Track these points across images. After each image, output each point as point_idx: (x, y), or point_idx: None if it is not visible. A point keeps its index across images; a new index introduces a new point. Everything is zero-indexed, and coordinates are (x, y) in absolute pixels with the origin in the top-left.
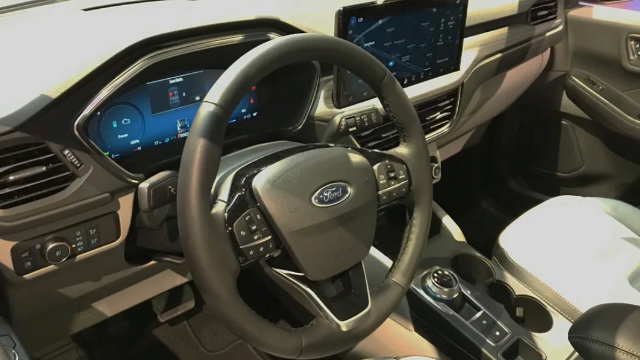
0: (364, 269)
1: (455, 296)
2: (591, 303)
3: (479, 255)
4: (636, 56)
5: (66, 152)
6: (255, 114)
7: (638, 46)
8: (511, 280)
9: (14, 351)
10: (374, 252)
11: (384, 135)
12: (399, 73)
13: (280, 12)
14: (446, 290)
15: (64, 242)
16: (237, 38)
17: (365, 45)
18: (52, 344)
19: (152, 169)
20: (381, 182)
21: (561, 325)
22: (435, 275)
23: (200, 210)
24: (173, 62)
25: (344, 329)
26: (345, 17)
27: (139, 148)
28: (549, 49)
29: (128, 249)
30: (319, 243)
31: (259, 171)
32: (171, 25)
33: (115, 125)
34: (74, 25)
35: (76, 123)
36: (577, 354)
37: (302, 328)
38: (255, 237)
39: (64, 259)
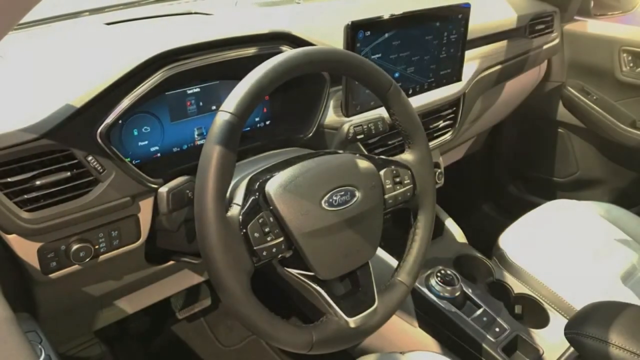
0: (371, 269)
1: (457, 294)
2: (586, 301)
3: (479, 255)
4: (628, 67)
5: (89, 158)
6: (268, 122)
7: (630, 58)
8: (510, 279)
9: (40, 346)
10: (380, 252)
11: (389, 142)
12: (404, 83)
13: (292, 26)
14: (448, 288)
15: (87, 243)
16: (251, 50)
17: (372, 57)
18: (76, 339)
19: (170, 174)
20: (387, 186)
21: (557, 322)
22: (438, 274)
23: (216, 213)
24: (190, 73)
25: (352, 325)
26: (353, 30)
27: (158, 154)
28: (546, 61)
29: (148, 249)
30: (328, 244)
31: (272, 176)
32: (189, 38)
33: (135, 133)
34: (96, 38)
35: (99, 130)
36: (572, 349)
37: (313, 324)
38: (268, 239)
39: (87, 259)
